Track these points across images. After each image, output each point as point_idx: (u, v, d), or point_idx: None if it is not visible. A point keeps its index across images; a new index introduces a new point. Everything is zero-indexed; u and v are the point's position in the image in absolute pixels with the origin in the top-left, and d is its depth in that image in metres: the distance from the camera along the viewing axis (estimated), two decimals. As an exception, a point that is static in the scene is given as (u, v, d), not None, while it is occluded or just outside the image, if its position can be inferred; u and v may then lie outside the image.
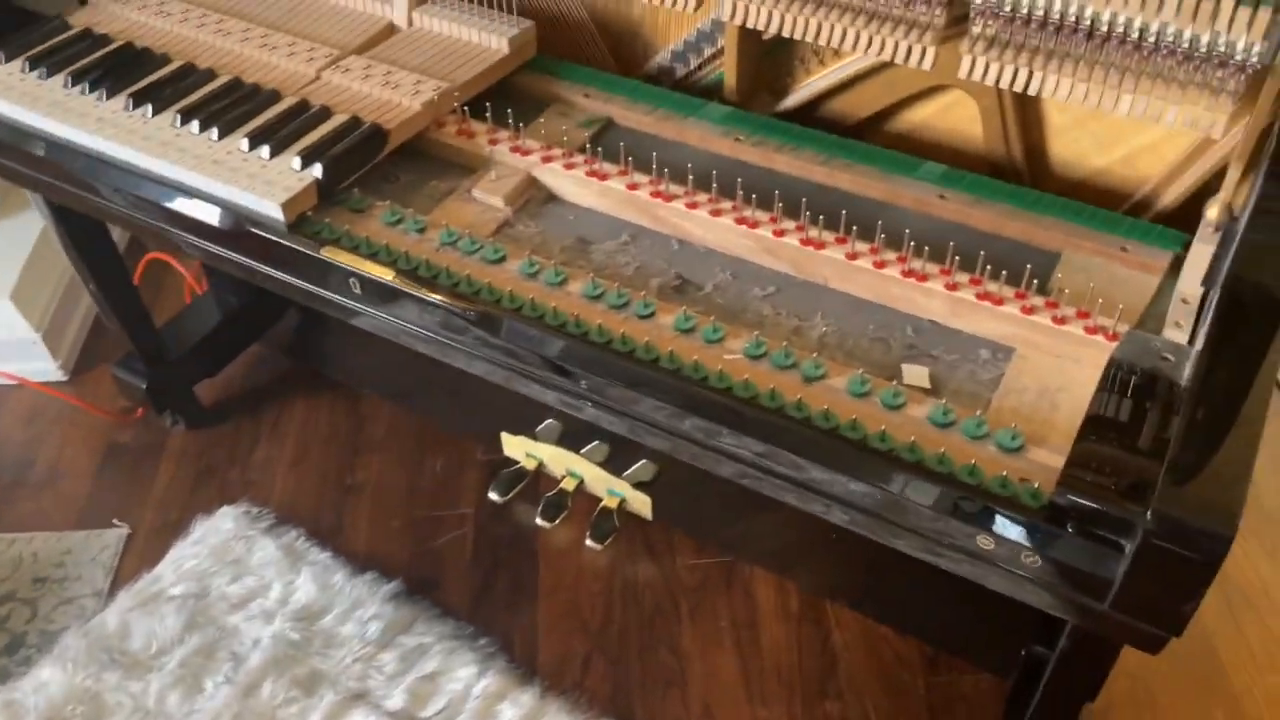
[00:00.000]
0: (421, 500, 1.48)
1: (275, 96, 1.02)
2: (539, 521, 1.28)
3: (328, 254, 0.90)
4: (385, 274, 0.88)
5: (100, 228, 1.33)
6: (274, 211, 0.91)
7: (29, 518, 1.47)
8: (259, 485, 1.51)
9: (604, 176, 0.97)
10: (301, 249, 0.91)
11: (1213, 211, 0.81)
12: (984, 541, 0.71)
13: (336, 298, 0.92)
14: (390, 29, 1.13)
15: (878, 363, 0.83)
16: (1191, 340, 0.80)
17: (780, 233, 0.90)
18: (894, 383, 0.80)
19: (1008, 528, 0.70)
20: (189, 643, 1.31)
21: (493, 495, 1.34)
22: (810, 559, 1.32)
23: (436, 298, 0.86)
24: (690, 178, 0.95)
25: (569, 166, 0.98)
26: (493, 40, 1.09)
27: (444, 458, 1.54)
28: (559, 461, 1.31)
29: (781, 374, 0.80)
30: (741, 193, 0.93)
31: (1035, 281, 0.84)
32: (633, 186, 0.95)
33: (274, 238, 0.91)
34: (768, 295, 0.90)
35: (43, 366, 1.64)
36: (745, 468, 0.80)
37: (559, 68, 1.12)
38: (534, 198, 0.99)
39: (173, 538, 1.43)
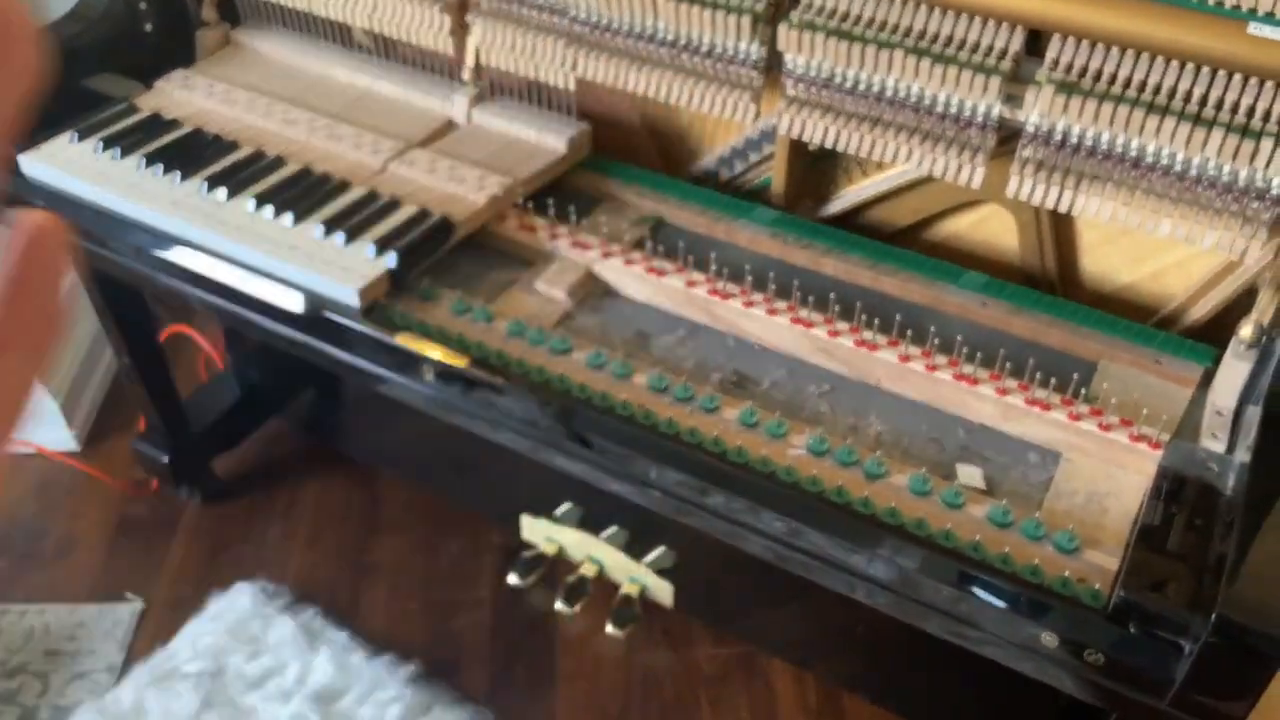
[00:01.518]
0: (438, 582, 1.49)
1: (345, 186, 1.06)
2: (559, 607, 1.30)
3: (402, 340, 0.93)
4: (459, 362, 0.91)
5: (140, 301, 1.35)
6: (350, 298, 0.94)
7: (41, 589, 1.46)
8: (274, 563, 1.51)
9: (662, 273, 1.01)
10: (375, 335, 0.94)
11: (1246, 330, 0.87)
12: (1048, 639, 0.74)
13: (405, 383, 0.95)
14: (450, 125, 1.17)
15: (933, 462, 0.87)
16: (1230, 450, 0.85)
17: (835, 333, 0.95)
18: (952, 483, 0.84)
19: (1072, 626, 0.73)
20: (205, 721, 1.29)
21: (512, 580, 1.35)
22: (830, 651, 1.35)
23: (503, 384, 0.89)
24: (748, 277, 0.99)
25: (628, 263, 1.02)
26: (550, 139, 1.14)
27: (461, 539, 1.55)
28: (580, 547, 1.33)
29: (845, 470, 0.84)
30: (797, 294, 0.97)
31: (1081, 390, 0.89)
32: (690, 284, 1.00)
33: (348, 323, 0.94)
34: (823, 394, 0.94)
35: (58, 435, 1.64)
36: (812, 561, 0.83)
37: (610, 166, 1.17)
38: (593, 291, 1.03)
39: (188, 613, 1.42)
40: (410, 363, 0.93)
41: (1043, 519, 0.80)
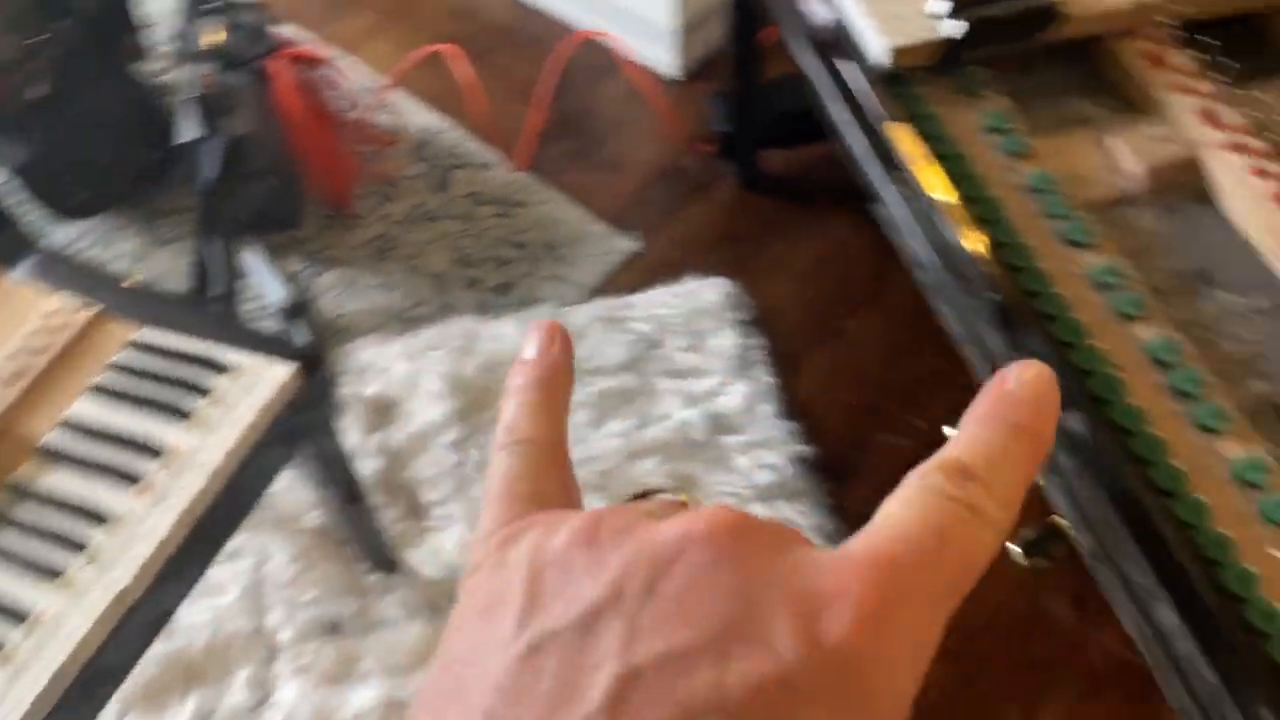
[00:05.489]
0: (887, 391, 1.34)
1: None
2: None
3: (891, 131, 0.73)
4: (949, 195, 0.70)
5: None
6: (879, 52, 0.75)
7: (578, 188, 1.54)
8: (758, 276, 1.44)
9: (1292, 205, 0.68)
10: (868, 107, 0.75)
11: None
12: None
13: (877, 180, 0.76)
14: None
15: None
16: None
17: None
18: None
19: None
20: (618, 379, 1.33)
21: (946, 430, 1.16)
22: None
23: (979, 289, 0.67)
24: None
25: (1260, 173, 0.70)
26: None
27: (925, 358, 1.36)
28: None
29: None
30: None
31: None
32: (1325, 242, 0.66)
33: (855, 78, 0.76)
34: (1405, 501, 0.59)
35: (666, 58, 1.65)
36: None
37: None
38: (1183, 185, 0.73)
39: (667, 277, 1.43)
40: (889, 162, 0.74)
41: None
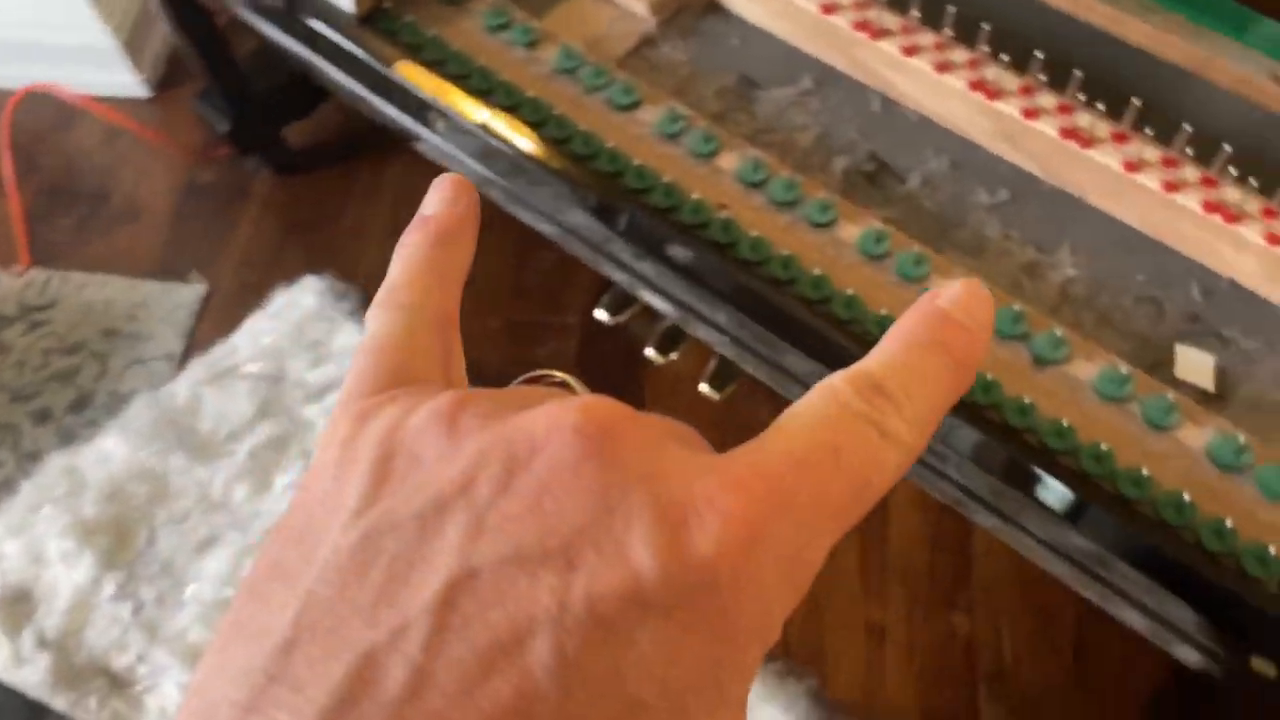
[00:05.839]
0: (524, 301, 1.31)
1: None
2: (649, 353, 1.10)
3: (402, 72, 0.66)
4: (476, 114, 0.64)
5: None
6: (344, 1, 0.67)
7: (103, 258, 1.35)
8: (347, 254, 1.34)
9: (791, -13, 0.69)
10: (363, 58, 0.67)
11: None
12: (1260, 666, 0.50)
13: (410, 124, 0.70)
14: None
15: (1140, 337, 0.59)
16: None
17: (1033, 112, 0.63)
18: (1164, 389, 0.56)
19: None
20: (261, 431, 1.20)
21: (600, 315, 1.15)
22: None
23: (527, 163, 0.63)
24: (914, 8, 0.66)
25: (743, -37, 0.70)
26: None
27: (554, 253, 1.33)
28: (683, 287, 1.11)
29: (1004, 347, 0.57)
30: (986, 40, 0.64)
31: None
32: (829, 9, 0.68)
33: (338, 38, 0.68)
34: (996, 205, 0.64)
35: (123, 80, 1.45)
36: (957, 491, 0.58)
37: None
38: (689, 5, 0.72)
39: (252, 304, 1.29)
40: (415, 104, 0.67)
41: (1296, 463, 0.52)
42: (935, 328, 0.24)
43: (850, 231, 0.60)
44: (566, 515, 0.20)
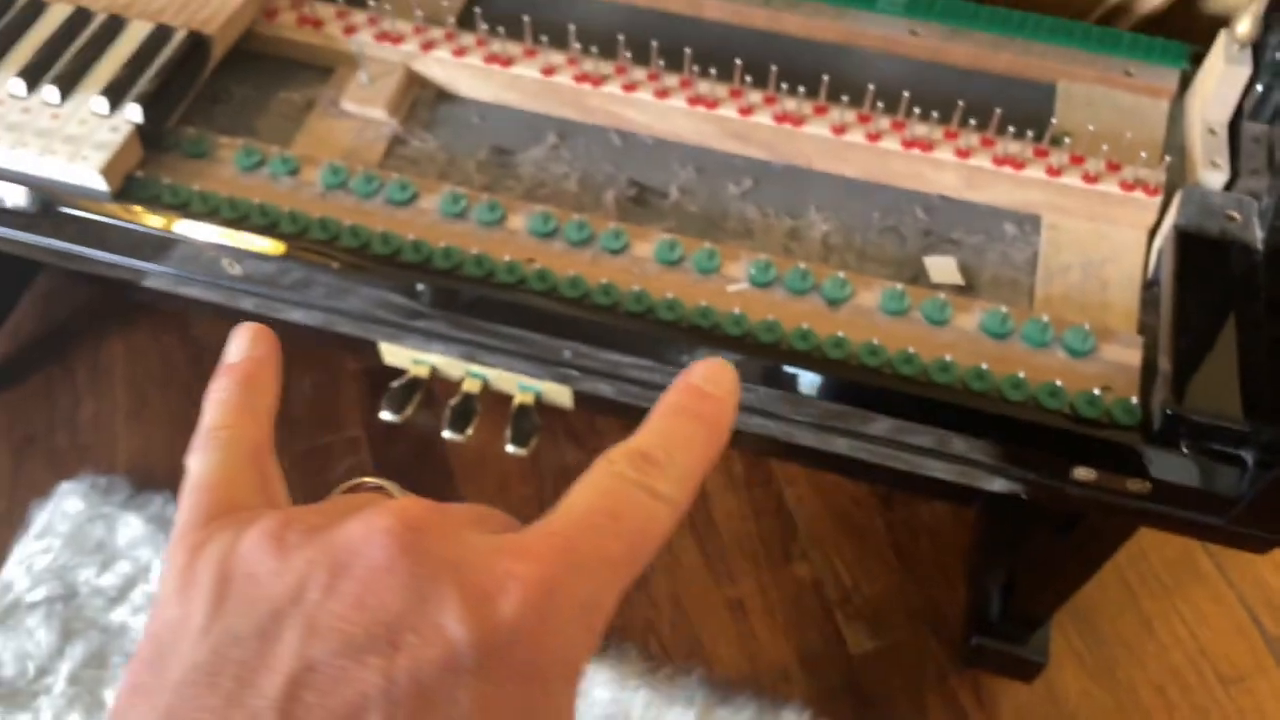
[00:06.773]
0: (302, 430, 1.29)
1: (36, 7, 0.74)
2: (447, 435, 1.13)
3: (184, 229, 0.67)
4: (274, 248, 0.67)
5: None
6: (92, 179, 0.67)
7: None
8: (97, 449, 1.27)
9: (508, 61, 0.76)
10: (142, 227, 0.67)
11: (1244, 26, 0.70)
12: (1083, 474, 0.62)
13: (206, 280, 0.71)
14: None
15: (895, 260, 0.71)
16: (1232, 181, 0.71)
17: (747, 110, 0.74)
18: (927, 287, 0.68)
19: (1112, 457, 0.61)
20: (72, 655, 1.11)
21: (386, 415, 1.16)
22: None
23: (332, 266, 0.66)
24: (622, 47, 0.75)
25: (459, 52, 0.77)
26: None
27: (315, 374, 1.33)
28: (454, 364, 1.15)
29: (800, 301, 0.67)
30: (691, 63, 0.75)
31: (1048, 125, 0.72)
32: (549, 71, 0.76)
33: (99, 217, 0.68)
34: (746, 192, 0.74)
35: None
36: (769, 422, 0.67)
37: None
38: (421, 99, 0.78)
39: (11, 534, 1.20)
40: (205, 257, 0.68)
41: (1044, 315, 0.65)
42: (689, 399, 0.29)
43: (644, 249, 0.68)
44: (387, 607, 0.23)
